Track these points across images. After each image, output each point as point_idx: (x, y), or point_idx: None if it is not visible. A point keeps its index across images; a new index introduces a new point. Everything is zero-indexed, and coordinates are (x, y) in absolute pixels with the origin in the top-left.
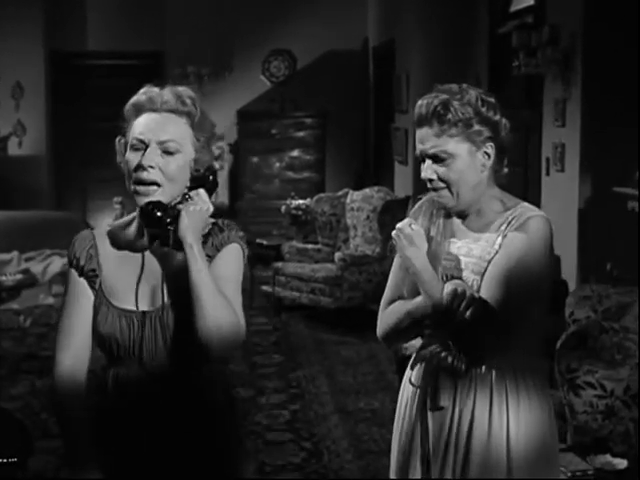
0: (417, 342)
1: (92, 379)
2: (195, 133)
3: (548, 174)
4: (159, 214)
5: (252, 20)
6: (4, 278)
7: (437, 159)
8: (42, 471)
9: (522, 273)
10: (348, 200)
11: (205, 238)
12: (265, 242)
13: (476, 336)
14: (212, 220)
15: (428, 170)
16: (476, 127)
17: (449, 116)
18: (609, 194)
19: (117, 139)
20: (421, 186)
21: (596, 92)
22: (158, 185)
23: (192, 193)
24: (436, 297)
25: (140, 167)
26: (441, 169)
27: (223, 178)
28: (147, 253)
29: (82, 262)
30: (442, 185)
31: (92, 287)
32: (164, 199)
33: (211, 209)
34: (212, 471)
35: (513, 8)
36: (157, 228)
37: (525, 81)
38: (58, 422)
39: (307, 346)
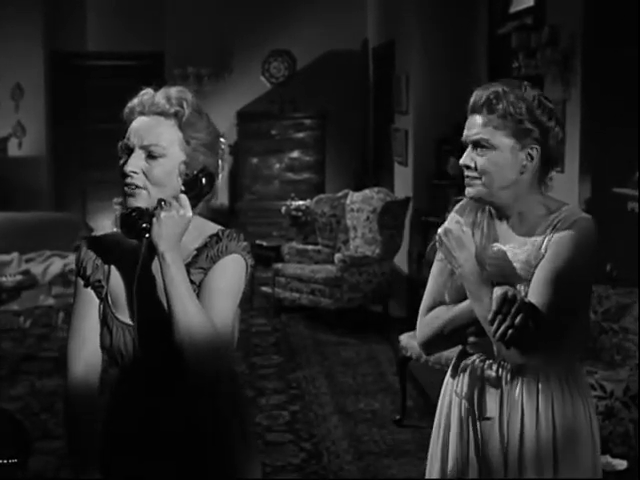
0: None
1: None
2: (185, 135)
3: None
4: (134, 221)
5: (252, 21)
6: (4, 279)
7: (478, 147)
8: (42, 471)
9: (570, 277)
10: (348, 201)
11: (200, 250)
12: (265, 243)
13: (523, 342)
14: (217, 228)
15: (467, 157)
16: (525, 125)
17: (499, 107)
18: (609, 195)
19: (119, 144)
20: (421, 187)
21: (596, 93)
22: (143, 189)
23: (169, 198)
24: (485, 301)
25: (124, 173)
26: (479, 158)
27: (223, 179)
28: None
29: (89, 272)
30: (476, 175)
31: (100, 297)
32: (150, 204)
33: (189, 215)
34: (217, 475)
35: (513, 9)
36: (133, 235)
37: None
38: (67, 426)
39: (307, 347)
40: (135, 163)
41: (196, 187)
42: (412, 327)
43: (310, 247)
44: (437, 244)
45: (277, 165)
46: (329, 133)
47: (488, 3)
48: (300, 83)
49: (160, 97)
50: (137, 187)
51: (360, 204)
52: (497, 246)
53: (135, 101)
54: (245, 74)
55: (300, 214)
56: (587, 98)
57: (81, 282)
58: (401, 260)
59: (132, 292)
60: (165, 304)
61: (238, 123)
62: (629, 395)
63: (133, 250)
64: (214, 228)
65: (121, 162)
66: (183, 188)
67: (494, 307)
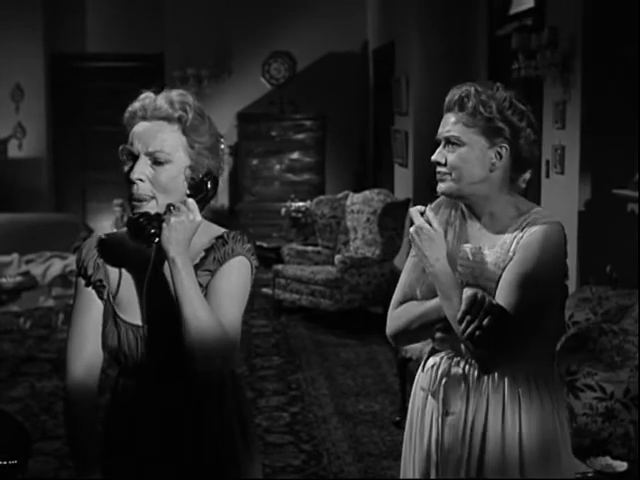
0: (418, 345)
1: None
2: (189, 140)
3: (548, 176)
4: (143, 226)
5: (252, 22)
6: (4, 280)
7: (449, 144)
8: (42, 472)
9: (536, 279)
10: (348, 202)
11: (207, 252)
12: (265, 244)
13: (490, 342)
14: (221, 230)
15: (439, 154)
16: (495, 124)
17: (469, 104)
18: (609, 196)
19: (120, 148)
20: (421, 188)
21: (595, 94)
22: (151, 197)
23: (178, 203)
24: (455, 301)
25: (130, 180)
26: (450, 154)
27: (223, 180)
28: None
29: (90, 272)
30: (446, 170)
31: (101, 297)
32: (158, 210)
33: (198, 219)
34: (218, 476)
35: (512, 11)
36: (141, 240)
37: (524, 83)
38: (66, 427)
39: (307, 348)
40: (141, 170)
41: (202, 191)
42: None
43: (310, 248)
44: (410, 241)
45: (277, 166)
46: (329, 134)
47: (488, 4)
48: (300, 84)
49: (162, 101)
50: (144, 194)
51: (360, 205)
52: (468, 247)
53: (136, 105)
54: (245, 75)
55: (300, 215)
56: (587, 99)
57: (82, 282)
58: (401, 261)
59: (141, 293)
60: (174, 307)
61: (238, 124)
62: (629, 396)
63: (137, 251)
64: (219, 230)
65: (126, 169)
66: (189, 192)
67: (463, 307)
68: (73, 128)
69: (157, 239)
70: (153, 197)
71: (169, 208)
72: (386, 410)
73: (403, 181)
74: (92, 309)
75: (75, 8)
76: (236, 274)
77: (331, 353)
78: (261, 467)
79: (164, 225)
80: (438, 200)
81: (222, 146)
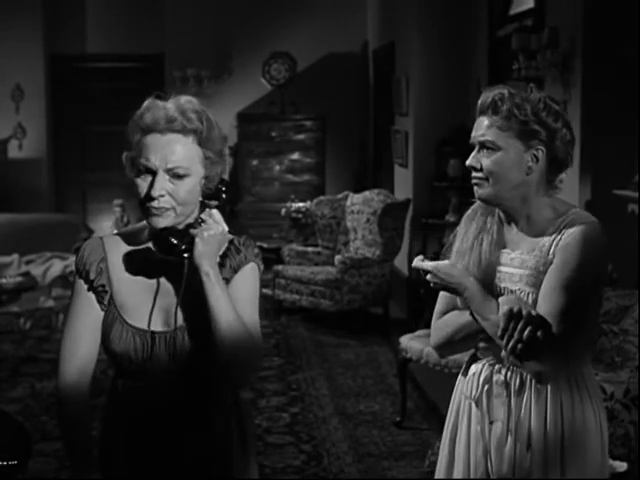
0: (418, 345)
1: (95, 383)
2: (204, 150)
3: None
4: (174, 242)
5: (252, 23)
6: (4, 281)
7: (484, 148)
8: (42, 473)
9: (579, 283)
10: (348, 203)
11: (222, 260)
12: (265, 245)
13: (535, 353)
14: (229, 237)
15: (473, 159)
16: (530, 127)
17: (504, 108)
18: (609, 197)
19: (124, 155)
20: (421, 189)
21: (596, 95)
22: (171, 210)
23: (204, 215)
24: (492, 319)
25: (151, 196)
26: (485, 159)
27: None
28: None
29: (92, 276)
30: (482, 176)
31: (100, 302)
32: (177, 221)
33: (226, 229)
34: (214, 475)
35: (513, 11)
36: (171, 255)
37: (525, 84)
38: (61, 428)
39: (307, 349)
40: (161, 186)
41: (219, 198)
42: (412, 329)
43: (310, 249)
44: (432, 285)
45: (277, 167)
46: (329, 135)
47: (488, 5)
48: (300, 85)
49: (176, 113)
50: (164, 207)
51: (360, 206)
52: (506, 252)
53: (147, 117)
54: (245, 76)
55: (300, 216)
56: (587, 100)
57: (82, 285)
58: (401, 262)
59: (153, 298)
60: (201, 317)
61: (238, 125)
62: (629, 397)
63: (143, 255)
64: (228, 235)
65: (141, 182)
66: (201, 199)
67: (501, 324)
68: (73, 128)
69: (188, 254)
70: (172, 209)
71: (198, 222)
72: (386, 411)
73: (403, 181)
74: (90, 314)
75: (75, 8)
76: (251, 280)
77: (331, 354)
78: (257, 468)
79: (197, 240)
80: (473, 207)
81: (227, 149)
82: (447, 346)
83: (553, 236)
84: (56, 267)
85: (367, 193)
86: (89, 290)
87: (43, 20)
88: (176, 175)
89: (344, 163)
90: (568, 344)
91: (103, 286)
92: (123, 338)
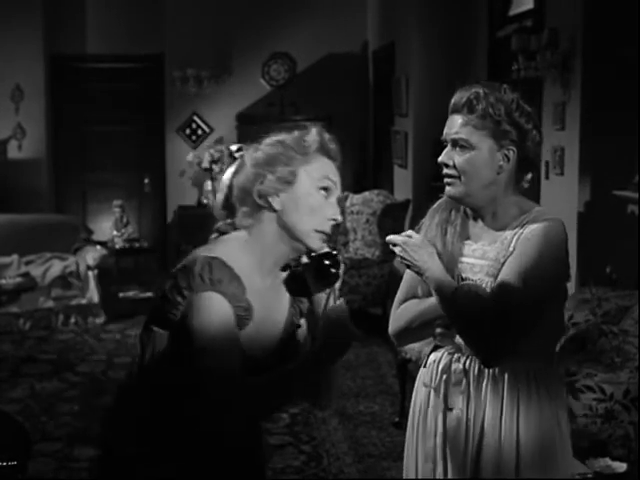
0: (417, 345)
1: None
2: None
3: (547, 178)
4: (331, 267)
5: (252, 23)
6: (4, 281)
7: (457, 146)
8: (41, 474)
9: (536, 274)
10: (348, 203)
11: None
12: None
13: (489, 338)
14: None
15: (446, 155)
16: (503, 127)
17: (479, 107)
18: (609, 197)
19: (287, 170)
20: (420, 189)
21: (595, 95)
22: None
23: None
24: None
25: (335, 218)
26: (458, 157)
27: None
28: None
29: (241, 312)
30: (455, 173)
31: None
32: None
33: None
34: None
35: (512, 12)
36: (327, 280)
37: (524, 84)
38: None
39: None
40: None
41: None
42: None
43: None
44: (400, 260)
45: None
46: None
47: (488, 5)
48: (300, 85)
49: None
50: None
51: (360, 206)
52: (468, 243)
53: (314, 140)
54: (245, 76)
55: None
56: (587, 100)
57: (230, 308)
58: (401, 262)
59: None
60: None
61: (238, 125)
62: (629, 398)
63: (260, 281)
64: None
65: (317, 200)
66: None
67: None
68: (73, 129)
69: (337, 280)
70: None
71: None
72: (386, 411)
73: (403, 182)
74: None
75: (75, 9)
76: None
77: None
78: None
79: (342, 266)
80: (440, 201)
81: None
82: (404, 334)
83: (515, 230)
84: (56, 268)
85: (367, 194)
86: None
87: (43, 20)
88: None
89: (344, 163)
90: (521, 334)
91: (248, 319)
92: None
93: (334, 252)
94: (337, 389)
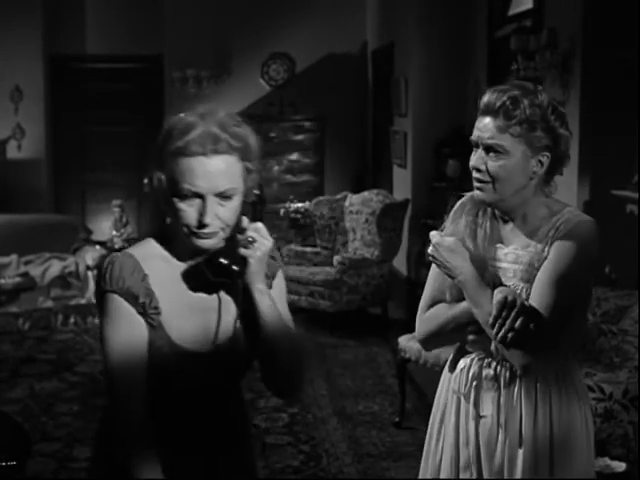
0: (417, 346)
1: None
2: (245, 165)
3: None
4: (226, 264)
5: (251, 23)
6: (3, 281)
7: (491, 151)
8: (41, 474)
9: (572, 279)
10: (347, 203)
11: None
12: None
13: (524, 344)
14: None
15: (479, 160)
16: (539, 132)
17: (517, 113)
18: (608, 197)
19: (155, 175)
20: (420, 189)
21: (594, 95)
22: (221, 232)
23: (251, 232)
24: (486, 306)
25: (200, 223)
26: (492, 163)
27: None
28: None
29: (142, 299)
30: (487, 179)
31: (151, 324)
32: (224, 239)
33: (272, 242)
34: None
35: (511, 12)
36: (224, 277)
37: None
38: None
39: (306, 349)
40: (213, 213)
41: (257, 207)
42: (411, 329)
43: (309, 249)
44: (431, 259)
45: (276, 167)
46: (328, 135)
47: (487, 5)
48: (299, 86)
49: (223, 135)
50: (214, 231)
51: (359, 206)
52: (500, 247)
53: (188, 139)
54: (244, 77)
55: (299, 216)
56: (586, 100)
57: (127, 307)
58: (400, 262)
59: (197, 315)
60: (249, 331)
61: None
62: (628, 397)
63: (184, 270)
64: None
65: (187, 207)
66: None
67: (494, 311)
68: (72, 129)
69: (239, 276)
70: (222, 229)
71: (248, 240)
72: (385, 411)
73: (402, 182)
74: (139, 341)
75: (75, 9)
76: (283, 285)
77: (330, 354)
78: (258, 468)
79: (251, 261)
80: (462, 200)
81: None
82: (434, 338)
83: (548, 233)
84: (55, 267)
85: (366, 193)
86: (142, 314)
87: (43, 20)
88: (225, 196)
89: (343, 164)
90: (557, 339)
91: (157, 308)
92: (167, 356)
93: (224, 249)
94: (305, 382)
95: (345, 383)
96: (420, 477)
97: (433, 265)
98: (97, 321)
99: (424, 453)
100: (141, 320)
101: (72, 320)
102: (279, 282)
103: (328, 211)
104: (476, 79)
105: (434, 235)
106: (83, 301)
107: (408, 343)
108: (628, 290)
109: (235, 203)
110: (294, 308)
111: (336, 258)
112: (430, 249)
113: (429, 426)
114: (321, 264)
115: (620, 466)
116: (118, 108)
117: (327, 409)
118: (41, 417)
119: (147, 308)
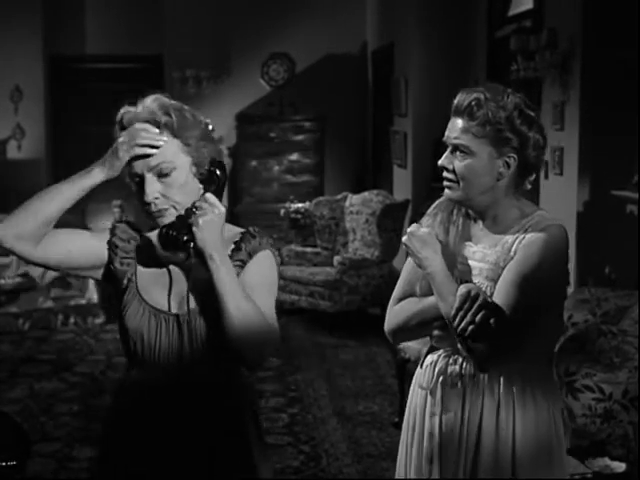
0: (416, 345)
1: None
2: (182, 139)
3: (547, 178)
4: (174, 235)
5: (251, 24)
6: (3, 281)
7: (458, 151)
8: (40, 474)
9: (536, 279)
10: (347, 204)
11: (238, 244)
12: None
13: (484, 339)
14: (241, 230)
15: (446, 159)
16: (504, 134)
17: (479, 114)
18: (608, 197)
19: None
20: (420, 189)
21: (594, 96)
22: (170, 207)
23: (199, 202)
24: (450, 299)
25: (145, 202)
26: (458, 162)
27: None
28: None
29: (121, 253)
30: (453, 178)
31: (122, 276)
32: (179, 214)
33: (223, 210)
34: (234, 474)
35: (511, 12)
36: (176, 249)
37: (523, 85)
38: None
39: (306, 349)
40: (152, 189)
41: (214, 181)
42: None
43: (309, 249)
44: (405, 247)
45: (276, 167)
46: (328, 136)
47: (487, 6)
48: (299, 86)
49: (145, 114)
50: (163, 208)
51: (359, 207)
52: (469, 245)
53: (122, 125)
54: (244, 77)
55: (299, 216)
56: (586, 101)
57: (104, 245)
58: (400, 262)
59: (169, 282)
60: (213, 301)
61: (237, 126)
62: (628, 397)
63: (155, 254)
64: (236, 228)
65: (137, 189)
66: (201, 186)
67: (456, 303)
68: (72, 129)
69: (192, 244)
70: (171, 207)
71: (192, 210)
72: (385, 411)
73: (402, 182)
74: (93, 244)
75: (74, 10)
76: (267, 266)
77: (330, 354)
78: (272, 467)
79: (194, 229)
80: (440, 200)
81: (211, 127)
82: (401, 332)
83: (517, 234)
84: None
85: (366, 194)
86: (114, 257)
87: (42, 21)
88: (162, 174)
89: (343, 164)
90: (519, 338)
91: (129, 264)
92: (138, 316)
93: (176, 220)
94: (267, 357)
95: (345, 383)
96: (397, 468)
97: (408, 259)
98: (97, 321)
99: (399, 451)
100: (104, 249)
101: (72, 320)
102: (260, 263)
103: (328, 211)
104: (476, 79)
105: (412, 226)
106: (83, 301)
107: (407, 343)
108: (628, 290)
109: (176, 179)
110: (294, 308)
111: (336, 258)
112: (404, 238)
113: (403, 424)
114: (321, 264)
115: (620, 466)
116: (118, 108)
117: (327, 409)
118: (41, 417)
119: (121, 257)
